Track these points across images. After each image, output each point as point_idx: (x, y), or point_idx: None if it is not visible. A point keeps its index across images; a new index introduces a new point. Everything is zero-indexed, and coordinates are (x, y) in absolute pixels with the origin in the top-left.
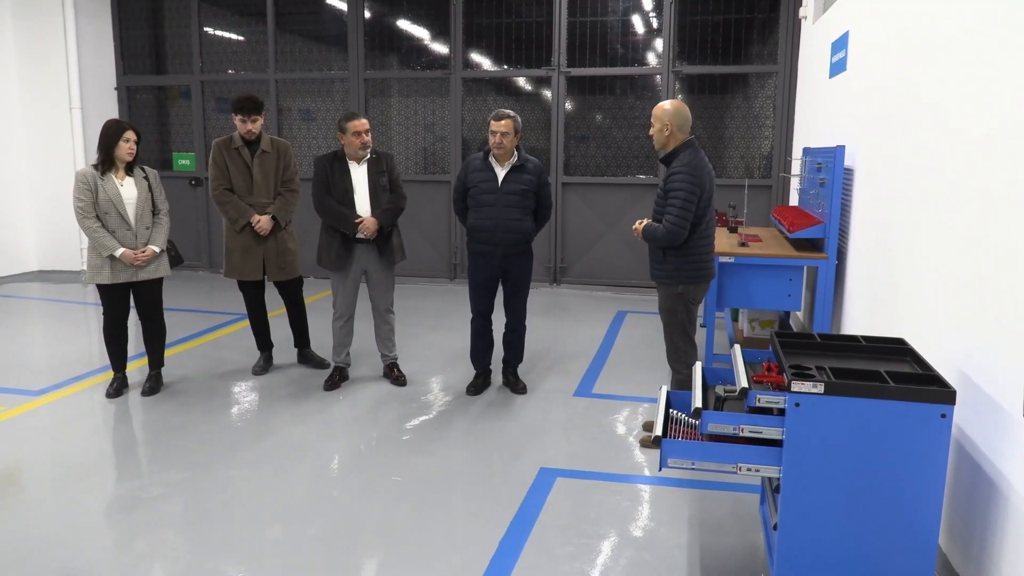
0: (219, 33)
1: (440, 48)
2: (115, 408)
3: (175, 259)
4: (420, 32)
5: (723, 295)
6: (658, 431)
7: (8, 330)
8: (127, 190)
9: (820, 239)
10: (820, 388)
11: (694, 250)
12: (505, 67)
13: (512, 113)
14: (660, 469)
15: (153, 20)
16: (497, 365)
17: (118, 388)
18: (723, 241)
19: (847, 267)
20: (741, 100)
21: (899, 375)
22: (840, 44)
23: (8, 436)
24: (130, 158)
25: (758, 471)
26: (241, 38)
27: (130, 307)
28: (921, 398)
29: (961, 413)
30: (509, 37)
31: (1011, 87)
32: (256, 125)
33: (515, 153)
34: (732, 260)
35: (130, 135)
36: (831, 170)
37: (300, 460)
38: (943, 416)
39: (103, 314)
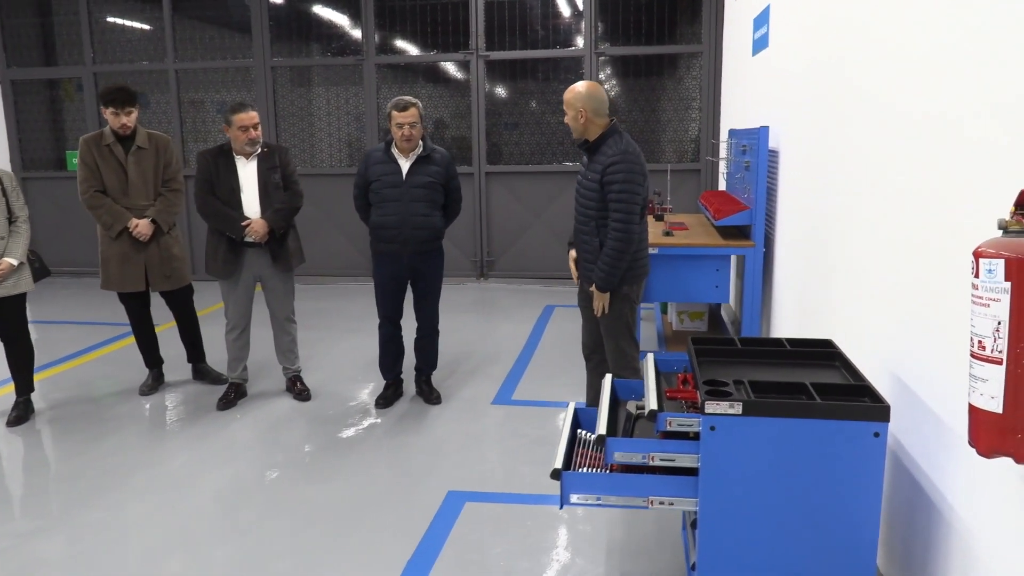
0: (113, 20)
1: (353, 32)
2: None
3: (40, 271)
4: (331, 16)
5: (648, 288)
6: (558, 461)
7: None
8: None
9: (747, 226)
10: (738, 408)
11: (636, 245)
12: (421, 52)
13: (415, 100)
14: (560, 507)
15: (39, 7)
16: (409, 373)
17: None
18: (648, 230)
19: (775, 255)
20: (667, 81)
21: (827, 387)
22: (762, 20)
23: None
24: None
25: (672, 504)
26: (139, 25)
27: None
28: (851, 415)
29: (898, 423)
30: (424, 20)
31: (946, 65)
32: (131, 118)
33: (420, 143)
34: (656, 251)
35: None
36: (755, 152)
37: (185, 491)
38: (876, 435)
39: None
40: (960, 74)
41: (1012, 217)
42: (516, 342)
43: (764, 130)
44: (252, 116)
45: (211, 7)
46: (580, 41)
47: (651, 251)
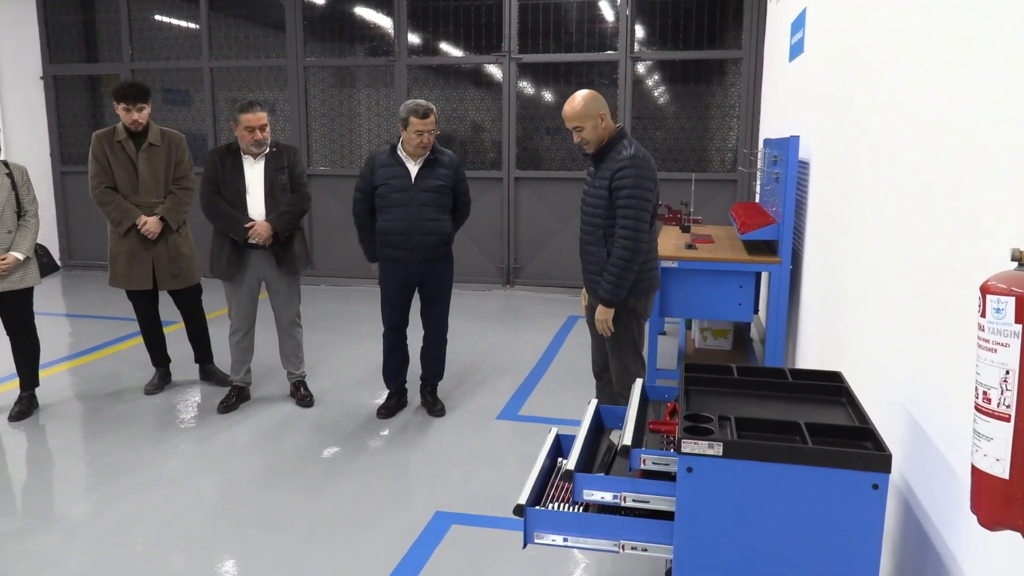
0: (153, 17)
1: (386, 33)
2: None
3: (47, 266)
4: (364, 16)
5: (666, 303)
6: (523, 495)
7: None
8: None
9: (775, 241)
10: (718, 449)
11: (645, 256)
12: (453, 53)
13: (431, 105)
14: (524, 546)
15: (82, 5)
16: (414, 383)
17: None
18: (671, 242)
19: (803, 274)
20: (706, 88)
21: (824, 429)
22: (799, 23)
23: None
24: None
25: (646, 550)
26: (178, 22)
27: None
28: (847, 463)
29: (910, 468)
30: (457, 21)
31: (978, 77)
32: (143, 115)
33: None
34: (675, 264)
35: None
36: (785, 163)
37: (170, 496)
38: (875, 487)
39: None
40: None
41: None
42: (533, 353)
43: (794, 140)
44: (260, 117)
45: (248, 5)
46: (614, 45)
47: (670, 264)
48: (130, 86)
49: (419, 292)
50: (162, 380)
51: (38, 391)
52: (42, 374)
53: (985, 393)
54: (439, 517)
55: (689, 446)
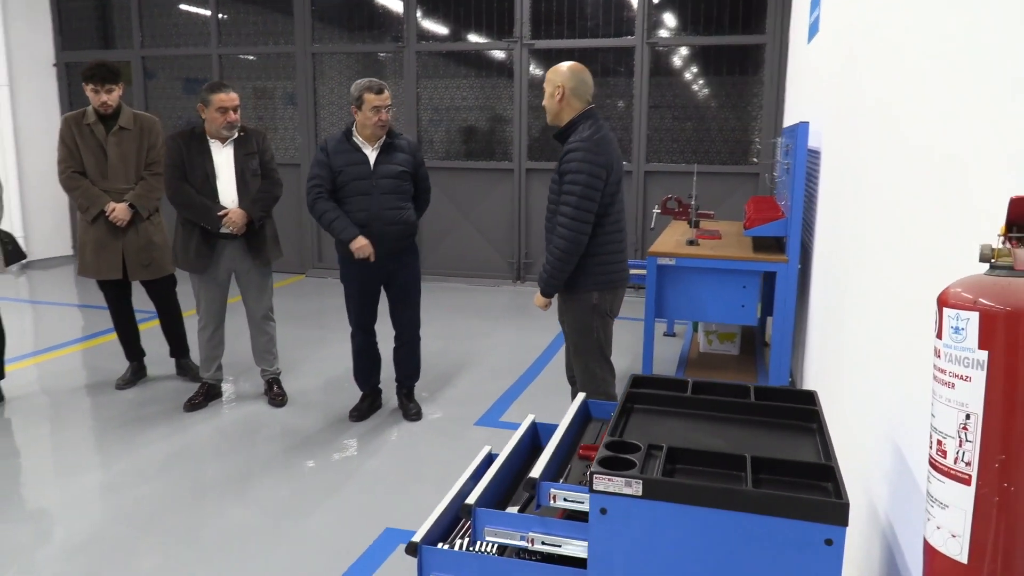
0: (166, 3)
1: (395, 19)
2: None
3: (13, 254)
4: (374, 0)
5: (662, 304)
6: (422, 531)
7: None
8: None
9: (782, 238)
10: (637, 488)
11: (605, 247)
12: (464, 39)
13: (385, 83)
14: None
15: None
16: (389, 383)
17: None
18: (672, 238)
19: (811, 274)
20: (727, 76)
21: (775, 464)
22: (816, 0)
23: None
24: None
25: None
26: (190, 8)
27: None
28: (795, 512)
29: (897, 509)
30: (468, 6)
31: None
32: (112, 97)
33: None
34: (672, 262)
35: None
36: (794, 152)
37: (110, 499)
38: (829, 543)
39: None
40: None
41: (1002, 243)
42: (531, 354)
43: (803, 127)
44: (233, 97)
45: None
46: (631, 30)
47: (667, 262)
48: (98, 66)
49: (385, 290)
50: (135, 375)
51: (3, 384)
52: (23, 364)
53: (940, 443)
54: (388, 534)
55: (602, 483)
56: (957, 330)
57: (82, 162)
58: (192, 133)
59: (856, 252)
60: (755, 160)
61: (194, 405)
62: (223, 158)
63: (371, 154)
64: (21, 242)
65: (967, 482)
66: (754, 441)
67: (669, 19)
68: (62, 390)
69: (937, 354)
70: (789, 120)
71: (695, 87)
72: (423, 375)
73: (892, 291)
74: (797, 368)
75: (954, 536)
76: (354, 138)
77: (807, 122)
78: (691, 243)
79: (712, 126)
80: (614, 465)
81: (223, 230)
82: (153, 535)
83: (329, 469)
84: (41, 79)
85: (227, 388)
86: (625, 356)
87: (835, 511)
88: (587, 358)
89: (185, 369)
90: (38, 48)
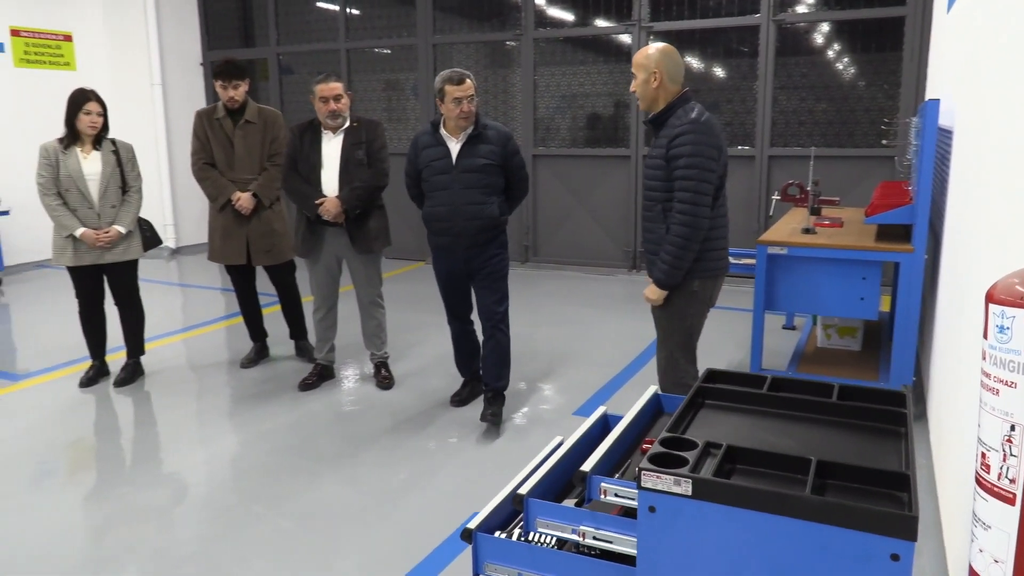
0: (300, 1)
1: (512, 7)
2: (78, 398)
3: (150, 240)
4: None
5: (773, 295)
6: (479, 518)
7: (39, 310)
8: (90, 165)
9: (908, 225)
10: (686, 487)
11: (710, 234)
12: (582, 24)
13: (469, 72)
14: None
15: None
16: None
17: (92, 377)
18: (788, 226)
19: (941, 265)
20: (862, 53)
21: (843, 469)
22: None
23: None
24: (92, 131)
25: None
26: (321, 5)
27: (104, 291)
28: (857, 523)
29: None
30: None
31: None
32: (238, 92)
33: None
34: (785, 251)
35: (92, 107)
36: (922, 132)
37: (212, 472)
38: (895, 558)
39: (76, 297)
40: None
41: None
42: (639, 344)
43: (932, 104)
44: (333, 87)
45: None
46: (760, 7)
47: (779, 251)
48: (226, 63)
49: (471, 282)
50: (258, 354)
51: (144, 359)
52: (165, 342)
53: (984, 456)
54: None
55: (651, 480)
56: (1002, 329)
57: (212, 154)
58: (310, 124)
59: (987, 241)
60: (884, 143)
61: (307, 385)
62: (332, 148)
63: (454, 147)
64: (171, 230)
65: (1011, 501)
66: (828, 444)
67: None
68: (195, 367)
69: (983, 356)
70: (932, 98)
71: (826, 65)
72: (526, 362)
73: None
74: (925, 368)
75: (996, 561)
76: (440, 131)
77: (937, 100)
78: (807, 231)
79: (844, 107)
80: (668, 462)
81: (323, 218)
82: (261, 503)
83: (427, 452)
84: (189, 77)
85: (340, 369)
86: (738, 349)
87: (903, 524)
88: (673, 346)
89: (303, 350)
90: (187, 48)
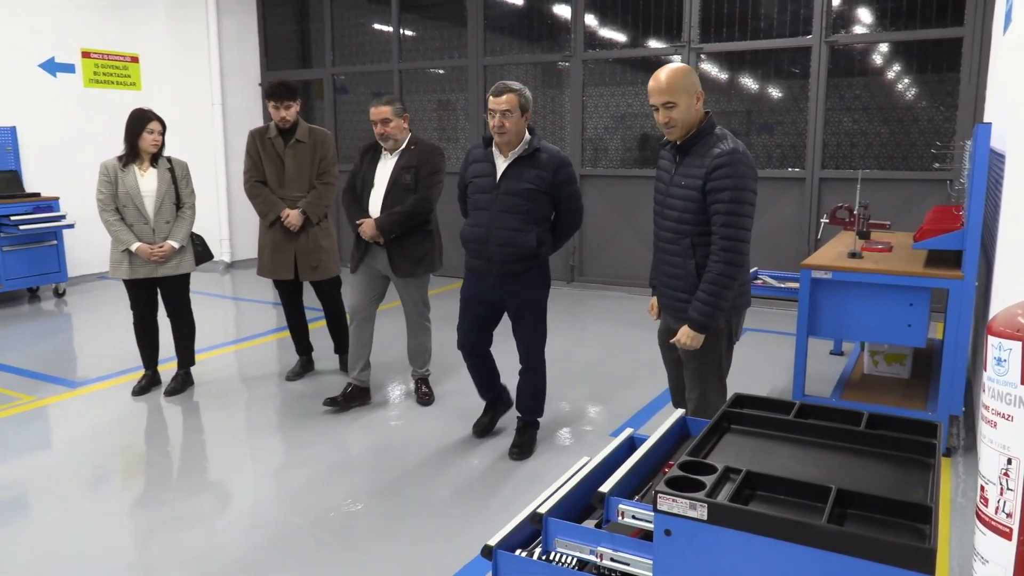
0: (354, 24)
1: (562, 28)
2: (130, 406)
3: (202, 254)
4: (543, 10)
5: (817, 321)
6: (500, 535)
7: (98, 319)
8: (146, 183)
9: (959, 251)
10: (702, 511)
11: None
12: (631, 46)
13: (517, 86)
14: None
15: (299, 15)
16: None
17: (144, 386)
18: (833, 250)
19: (992, 293)
20: (918, 75)
21: (865, 499)
22: None
23: (22, 427)
24: (154, 149)
25: None
26: (376, 27)
27: (158, 304)
28: (874, 555)
29: None
30: (636, 11)
31: None
32: (290, 112)
33: (526, 140)
34: (829, 276)
35: (154, 126)
36: (973, 156)
37: (244, 488)
38: None
39: (130, 309)
40: None
41: None
42: None
43: (984, 128)
44: (380, 111)
45: (434, 8)
46: (811, 28)
47: (823, 275)
48: (278, 85)
49: (504, 314)
50: (303, 368)
51: (194, 370)
52: (215, 353)
53: (983, 490)
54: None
55: (666, 503)
56: (1000, 361)
57: (264, 172)
58: (374, 144)
59: None
60: (936, 166)
61: (332, 401)
62: (384, 169)
63: (500, 166)
64: (226, 244)
65: (1008, 536)
66: (852, 473)
67: (852, 15)
68: (242, 378)
69: (983, 389)
70: (989, 121)
71: (880, 86)
72: (568, 382)
73: None
74: (976, 398)
75: None
76: (492, 147)
77: (988, 123)
78: (853, 255)
79: (899, 129)
80: (686, 486)
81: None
82: (301, 514)
83: (469, 469)
84: (247, 97)
85: (385, 384)
86: (782, 374)
87: (920, 557)
88: (705, 385)
89: (347, 365)
90: (246, 69)
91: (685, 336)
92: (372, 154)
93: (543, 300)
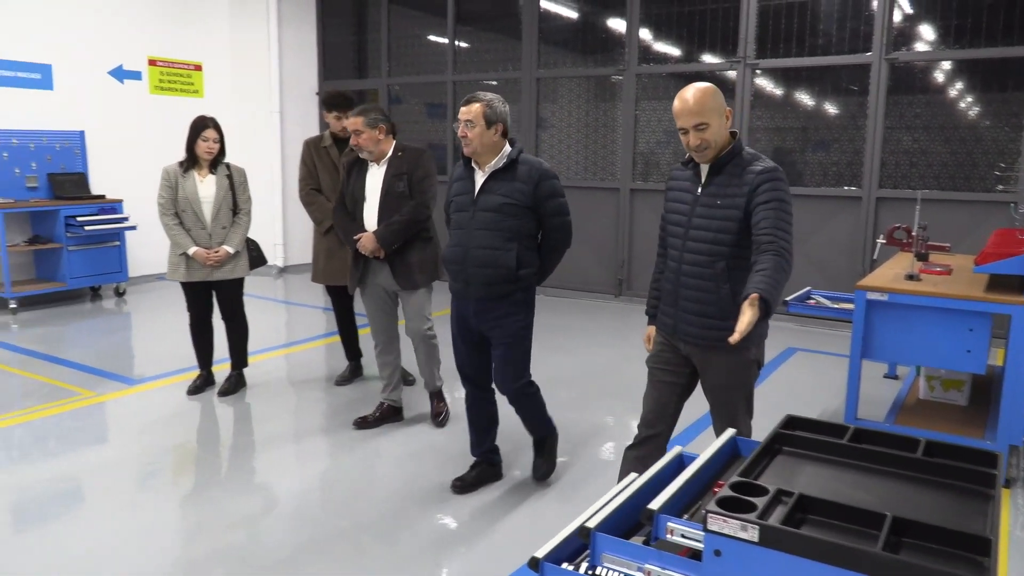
0: (410, 35)
1: (616, 42)
2: (185, 404)
3: (256, 260)
4: (598, 24)
5: (872, 343)
6: (547, 547)
7: (156, 319)
8: (205, 188)
9: (1022, 276)
10: (753, 533)
11: None
12: (686, 60)
13: (488, 97)
14: None
15: (357, 26)
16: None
17: (199, 385)
18: (890, 272)
19: None
20: (982, 92)
21: (921, 528)
22: None
23: (80, 421)
24: (209, 156)
25: None
26: (432, 39)
27: (213, 306)
28: None
29: None
30: (692, 26)
31: None
32: (351, 122)
33: (504, 152)
34: (885, 297)
35: (209, 133)
36: None
37: (289, 490)
38: None
39: (187, 311)
40: None
41: None
42: None
43: None
44: (352, 122)
45: (490, 20)
46: (872, 45)
47: (879, 297)
48: (337, 95)
49: (487, 343)
50: (352, 373)
51: (247, 371)
52: (268, 355)
53: None
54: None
55: (717, 523)
56: None
57: (319, 180)
58: (358, 157)
59: None
60: (1000, 187)
61: (363, 420)
62: (374, 180)
63: (479, 181)
64: (280, 249)
65: None
66: (908, 501)
67: (913, 32)
68: (293, 381)
69: None
70: None
71: (942, 105)
72: (614, 396)
73: None
74: None
75: None
76: (472, 163)
77: None
78: (911, 277)
79: (961, 149)
80: (737, 507)
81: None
82: (346, 518)
83: (509, 480)
84: (305, 106)
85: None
86: (834, 397)
87: None
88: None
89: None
90: (304, 78)
91: (745, 321)
92: (359, 168)
93: (524, 332)
